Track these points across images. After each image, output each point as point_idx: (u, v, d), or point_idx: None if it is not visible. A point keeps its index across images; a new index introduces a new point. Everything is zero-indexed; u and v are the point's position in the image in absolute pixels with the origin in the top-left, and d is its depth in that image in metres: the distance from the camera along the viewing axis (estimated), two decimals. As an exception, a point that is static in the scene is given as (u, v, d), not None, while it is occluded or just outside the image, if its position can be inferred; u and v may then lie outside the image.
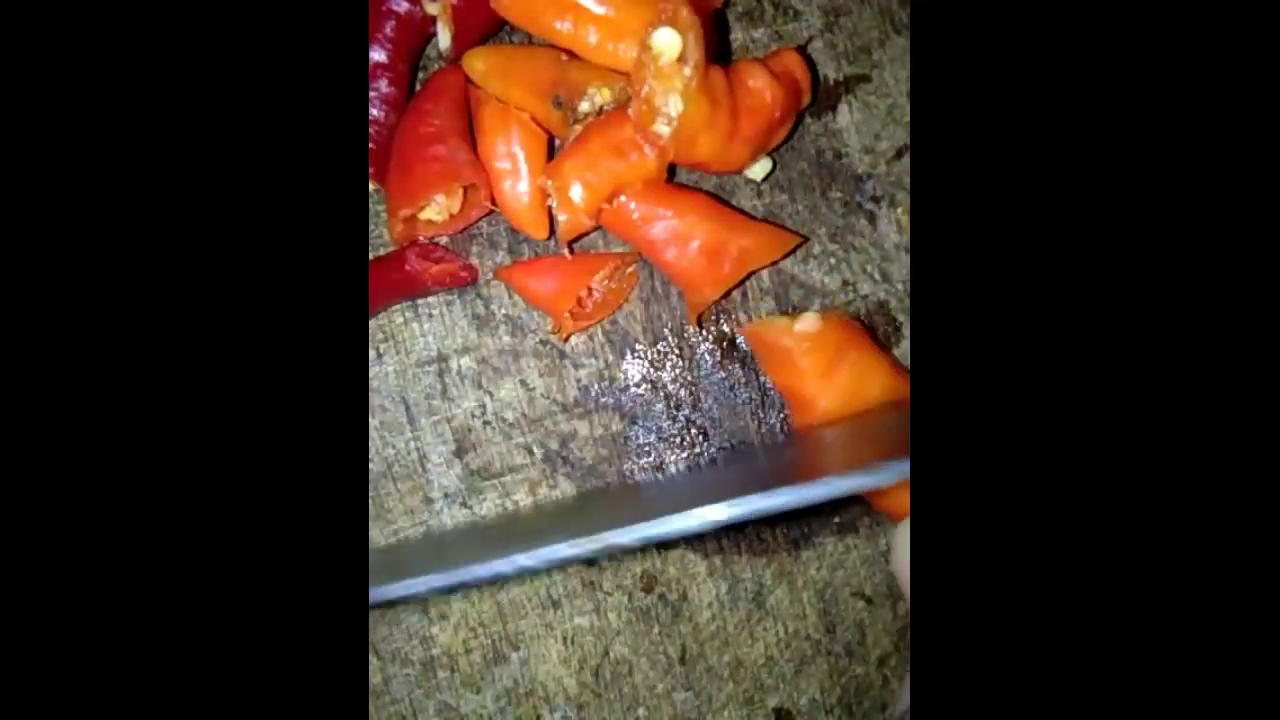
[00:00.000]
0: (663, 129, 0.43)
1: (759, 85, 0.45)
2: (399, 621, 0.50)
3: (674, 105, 0.43)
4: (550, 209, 0.47)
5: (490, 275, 0.49)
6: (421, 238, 0.47)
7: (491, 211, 0.48)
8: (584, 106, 0.46)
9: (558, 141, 0.48)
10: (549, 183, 0.45)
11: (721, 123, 0.44)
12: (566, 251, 0.48)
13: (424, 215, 0.47)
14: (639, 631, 0.51)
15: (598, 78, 0.46)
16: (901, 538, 0.39)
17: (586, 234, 0.49)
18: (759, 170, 0.49)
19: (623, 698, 0.51)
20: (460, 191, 0.46)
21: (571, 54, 0.46)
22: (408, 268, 0.46)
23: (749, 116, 0.45)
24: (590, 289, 0.48)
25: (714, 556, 0.51)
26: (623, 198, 0.45)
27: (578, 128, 0.46)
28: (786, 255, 0.50)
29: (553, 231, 0.48)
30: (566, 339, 0.49)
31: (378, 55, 0.46)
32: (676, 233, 0.46)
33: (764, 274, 0.50)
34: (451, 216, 0.47)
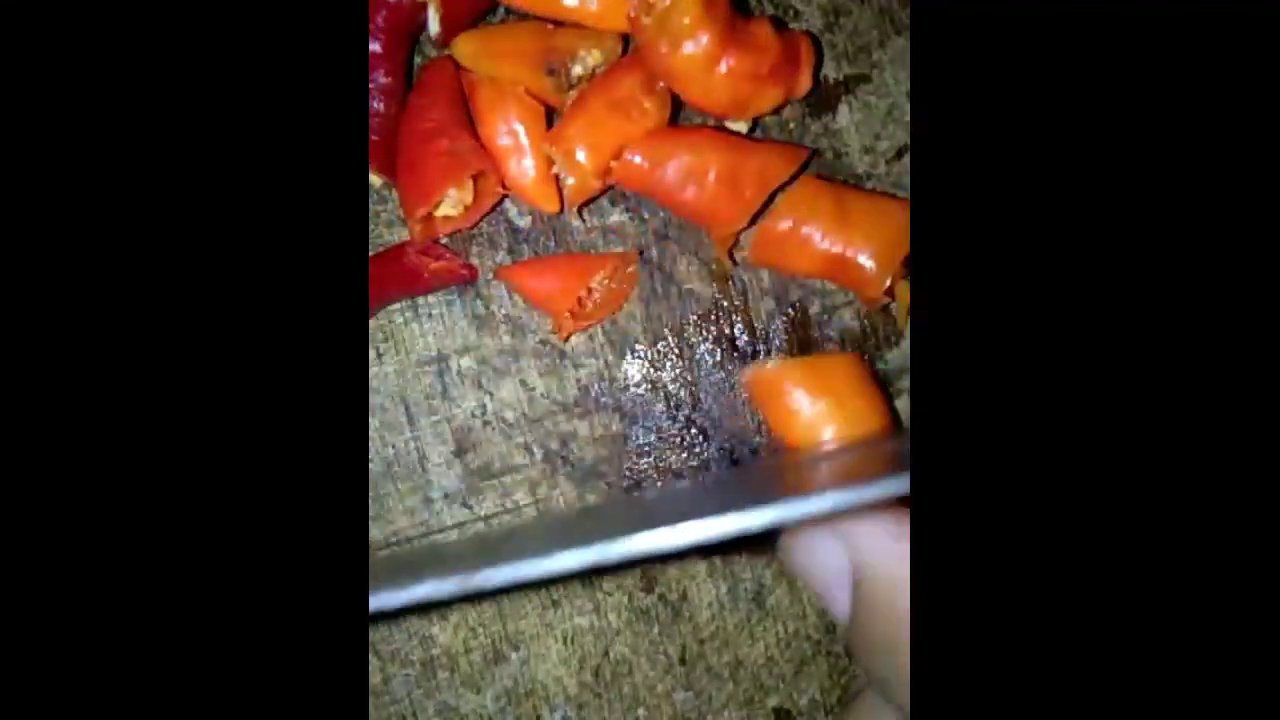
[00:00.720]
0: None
1: (762, 30, 0.44)
2: (399, 621, 0.50)
3: None
4: (558, 180, 0.47)
5: (490, 275, 0.49)
6: (443, 236, 0.48)
7: (505, 196, 0.48)
8: (577, 70, 0.46)
9: (556, 113, 0.48)
10: (553, 149, 0.45)
11: (711, 44, 0.43)
12: (576, 220, 0.48)
13: (440, 212, 0.47)
14: (639, 631, 0.51)
15: (586, 39, 0.46)
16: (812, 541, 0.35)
17: (596, 197, 0.48)
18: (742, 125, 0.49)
19: (623, 698, 0.51)
20: (470, 182, 0.46)
21: (558, 23, 0.46)
22: (406, 262, 0.46)
23: (741, 52, 0.44)
24: (590, 289, 0.48)
25: (714, 556, 0.51)
26: (628, 153, 0.45)
27: (573, 93, 0.46)
28: (802, 169, 0.49)
29: (563, 204, 0.48)
30: (567, 338, 0.49)
31: (373, 46, 0.46)
32: (690, 169, 0.45)
33: (764, 274, 0.50)
34: (466, 209, 0.47)
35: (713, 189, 0.46)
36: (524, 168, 0.47)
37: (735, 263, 0.50)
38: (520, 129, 0.47)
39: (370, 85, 0.46)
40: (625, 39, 0.47)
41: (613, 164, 0.45)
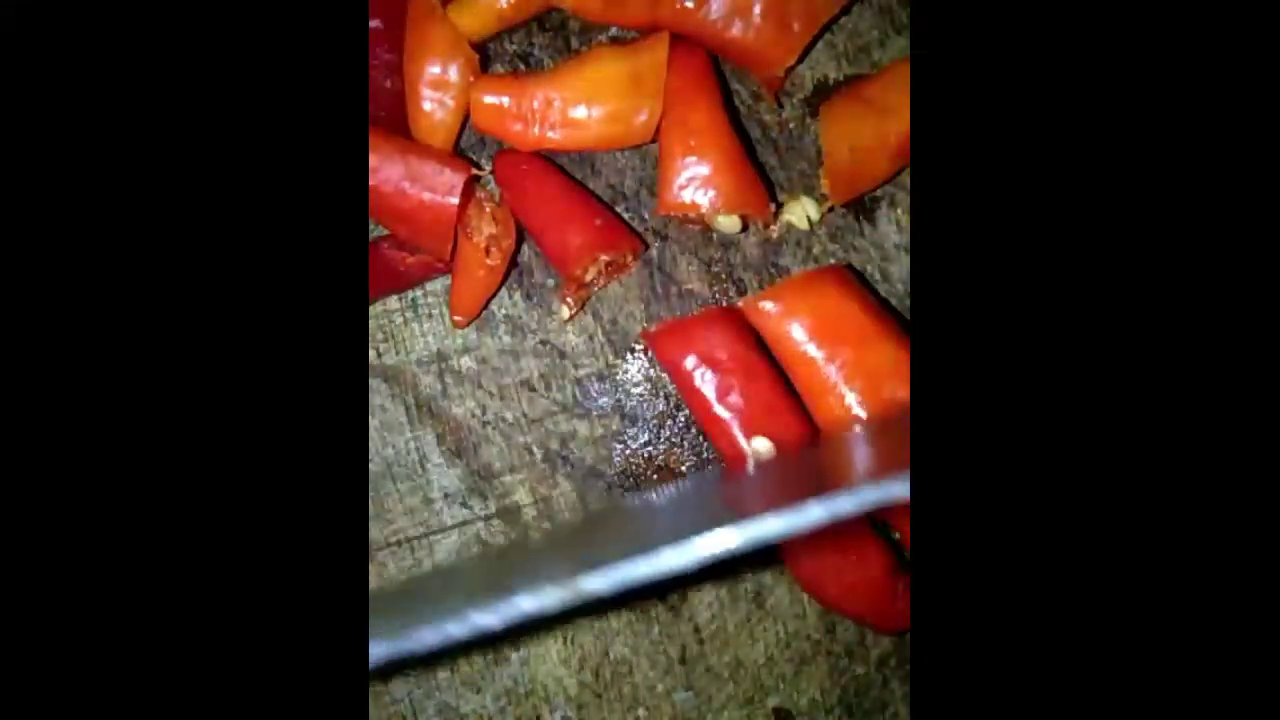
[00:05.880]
0: None
1: None
2: (399, 621, 0.50)
3: None
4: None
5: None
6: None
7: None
8: None
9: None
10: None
11: None
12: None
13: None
14: (639, 631, 0.51)
15: None
16: None
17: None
18: None
19: (623, 698, 0.51)
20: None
21: None
22: (382, 256, 0.46)
23: None
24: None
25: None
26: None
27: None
28: (846, 11, 0.48)
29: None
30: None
31: (373, 23, 0.46)
32: (736, 4, 0.45)
33: (765, 275, 0.50)
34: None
35: (759, 25, 0.45)
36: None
37: (782, 106, 0.49)
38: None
39: (375, 62, 0.46)
40: None
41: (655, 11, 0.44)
